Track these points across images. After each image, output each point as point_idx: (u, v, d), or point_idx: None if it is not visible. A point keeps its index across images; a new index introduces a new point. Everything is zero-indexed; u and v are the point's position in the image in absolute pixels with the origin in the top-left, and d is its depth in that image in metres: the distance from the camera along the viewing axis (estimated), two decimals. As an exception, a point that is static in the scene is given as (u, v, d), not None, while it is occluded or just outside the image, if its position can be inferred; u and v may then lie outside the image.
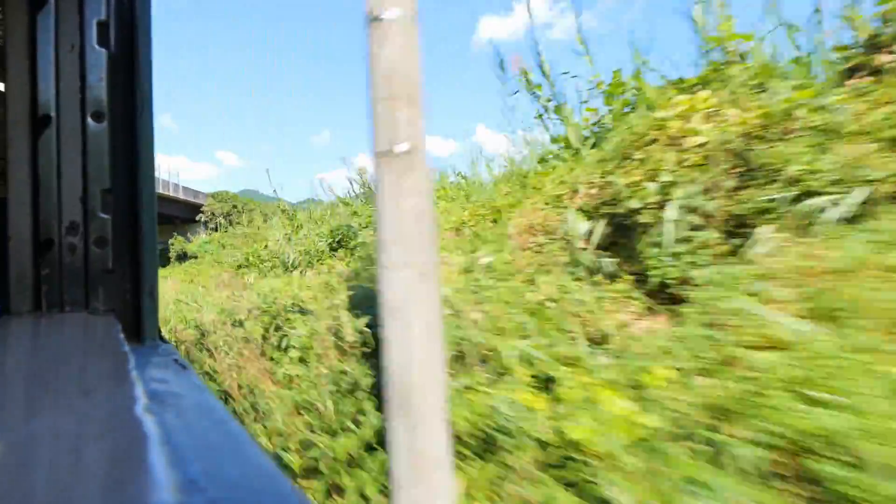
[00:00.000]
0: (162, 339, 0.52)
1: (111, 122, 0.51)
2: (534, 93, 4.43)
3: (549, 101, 4.33)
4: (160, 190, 26.89)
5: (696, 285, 2.06)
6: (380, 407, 1.96)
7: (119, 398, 0.30)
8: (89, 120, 0.50)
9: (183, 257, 25.44)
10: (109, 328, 0.46)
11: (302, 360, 2.71)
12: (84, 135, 0.50)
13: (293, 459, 2.06)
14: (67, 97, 0.50)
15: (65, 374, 0.35)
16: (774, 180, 2.20)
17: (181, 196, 31.42)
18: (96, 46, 0.51)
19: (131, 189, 0.51)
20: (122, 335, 0.44)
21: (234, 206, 32.36)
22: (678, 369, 1.70)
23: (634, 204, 2.50)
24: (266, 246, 10.92)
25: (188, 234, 29.67)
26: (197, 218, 31.26)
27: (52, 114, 0.50)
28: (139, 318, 0.50)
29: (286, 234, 9.68)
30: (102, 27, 0.51)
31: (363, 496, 1.79)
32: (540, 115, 4.41)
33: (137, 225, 0.51)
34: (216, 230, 29.61)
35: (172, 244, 25.94)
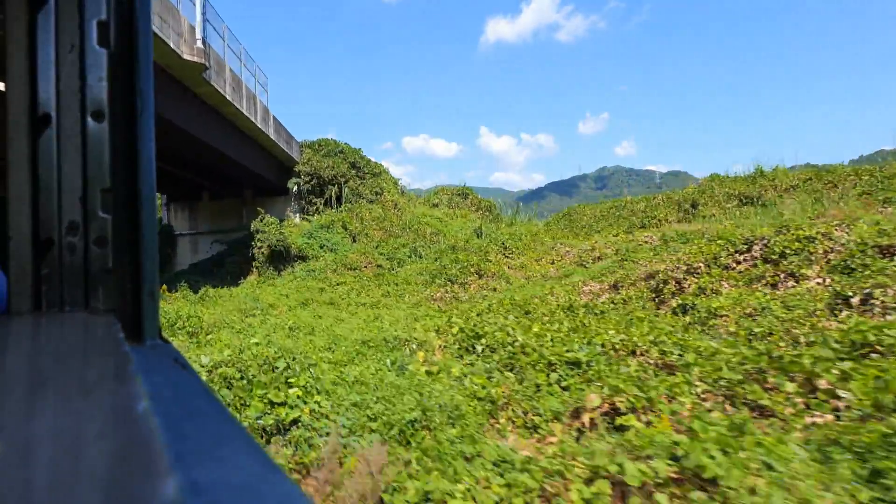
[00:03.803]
0: (163, 338, 0.52)
1: (111, 122, 0.51)
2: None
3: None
4: (241, 106, 12.55)
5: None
6: None
7: (120, 398, 0.30)
8: (89, 119, 0.50)
9: (282, 258, 13.38)
10: (110, 328, 0.46)
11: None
12: (84, 134, 0.50)
13: None
14: (67, 97, 0.50)
15: (65, 374, 0.35)
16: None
17: (271, 133, 14.63)
18: (96, 46, 0.51)
19: (131, 189, 0.51)
20: (122, 335, 0.44)
21: (354, 166, 17.89)
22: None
23: None
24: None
25: (287, 213, 16.68)
26: (289, 184, 16.80)
27: (52, 113, 0.50)
28: (140, 317, 0.50)
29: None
30: (102, 27, 0.51)
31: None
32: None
33: (138, 224, 0.51)
34: (335, 203, 16.55)
35: (262, 233, 13.41)
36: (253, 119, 13.40)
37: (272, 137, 14.74)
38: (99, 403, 0.29)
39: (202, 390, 0.38)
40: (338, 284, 12.20)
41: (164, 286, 11.21)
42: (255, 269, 14.13)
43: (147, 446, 0.24)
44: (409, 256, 13.80)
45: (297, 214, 17.25)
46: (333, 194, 17.26)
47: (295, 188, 17.03)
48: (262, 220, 14.08)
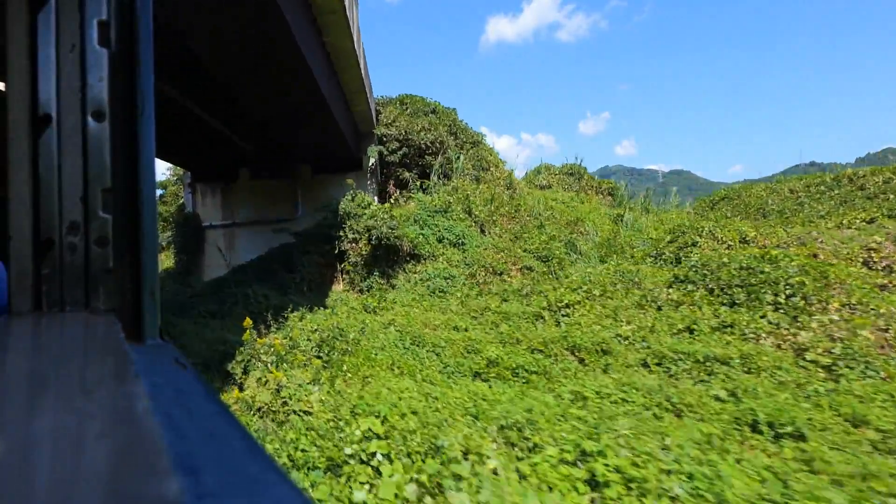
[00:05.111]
0: (163, 338, 0.52)
1: (112, 122, 0.51)
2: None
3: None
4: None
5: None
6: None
7: (120, 398, 0.30)
8: (90, 119, 0.50)
9: (390, 258, 9.04)
10: (110, 327, 0.46)
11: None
12: (84, 134, 0.50)
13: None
14: (68, 97, 0.50)
15: (65, 374, 0.35)
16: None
17: (363, 68, 9.01)
18: (97, 46, 0.51)
19: (132, 188, 0.51)
20: (122, 334, 0.44)
21: (450, 132, 13.08)
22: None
23: None
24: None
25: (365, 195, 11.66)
26: (369, 152, 11.78)
27: (53, 113, 0.50)
28: (140, 317, 0.50)
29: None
30: (103, 27, 0.51)
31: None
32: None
33: (138, 224, 0.51)
34: (445, 176, 12.03)
35: (355, 219, 9.26)
36: (350, 30, 7.41)
37: (362, 75, 9.03)
38: (99, 403, 0.29)
39: (202, 390, 0.38)
40: (564, 307, 6.84)
41: (249, 320, 5.10)
42: (340, 275, 9.49)
43: (147, 446, 0.24)
44: (567, 254, 9.86)
45: (375, 196, 12.03)
46: (438, 167, 12.16)
47: (372, 160, 11.77)
48: (353, 199, 9.45)
